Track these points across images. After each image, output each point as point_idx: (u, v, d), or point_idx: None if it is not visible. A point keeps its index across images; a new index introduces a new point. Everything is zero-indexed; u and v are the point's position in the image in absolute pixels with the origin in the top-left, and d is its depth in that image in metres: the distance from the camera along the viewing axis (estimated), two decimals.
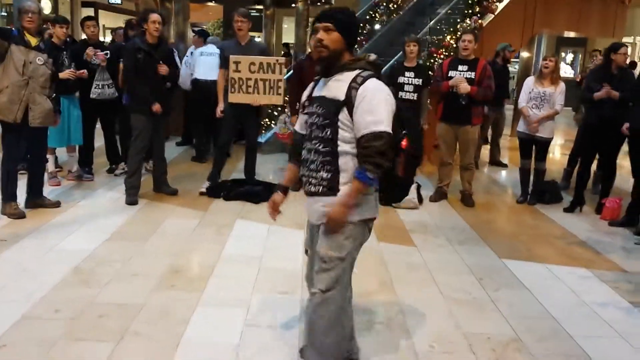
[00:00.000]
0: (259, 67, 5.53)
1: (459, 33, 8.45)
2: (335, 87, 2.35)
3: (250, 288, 3.69)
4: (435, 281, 4.02)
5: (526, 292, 3.91)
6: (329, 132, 2.36)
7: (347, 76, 2.34)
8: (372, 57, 2.43)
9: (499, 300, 3.75)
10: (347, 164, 2.37)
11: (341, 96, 2.31)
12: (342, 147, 2.35)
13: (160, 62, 5.35)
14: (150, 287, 3.64)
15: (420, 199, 5.94)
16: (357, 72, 2.34)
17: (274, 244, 4.54)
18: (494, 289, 3.93)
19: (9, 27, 9.55)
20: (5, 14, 17.57)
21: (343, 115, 2.32)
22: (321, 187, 2.43)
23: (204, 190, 5.85)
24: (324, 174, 2.41)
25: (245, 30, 5.61)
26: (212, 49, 7.51)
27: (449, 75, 5.79)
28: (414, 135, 2.57)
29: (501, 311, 3.59)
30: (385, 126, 2.27)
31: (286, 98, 6.77)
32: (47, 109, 4.81)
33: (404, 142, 2.46)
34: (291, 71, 7.49)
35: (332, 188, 2.40)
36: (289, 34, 23.08)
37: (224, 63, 5.68)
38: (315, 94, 2.47)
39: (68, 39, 5.93)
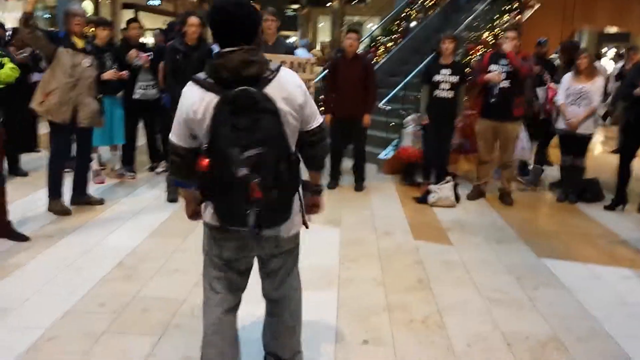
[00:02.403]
0: (289, 66, 5.58)
1: (496, 29, 8.37)
2: None
3: None
4: (472, 280, 4.00)
5: (565, 292, 3.86)
6: None
7: None
8: (215, 48, 2.16)
9: (538, 299, 3.72)
10: None
11: None
12: None
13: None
14: (191, 282, 3.72)
15: (457, 197, 5.91)
16: None
17: (308, 242, 4.58)
18: (533, 288, 3.90)
19: (54, 29, 9.86)
20: (50, 15, 18.11)
21: None
22: None
23: None
24: None
25: (274, 30, 5.68)
26: None
27: (490, 69, 5.73)
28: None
29: (540, 310, 3.56)
30: (171, 134, 2.21)
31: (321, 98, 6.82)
32: (95, 110, 4.97)
33: (202, 162, 2.03)
34: (326, 70, 7.53)
35: None
36: (324, 33, 23.11)
37: None
38: None
39: (111, 41, 6.10)
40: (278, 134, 2.01)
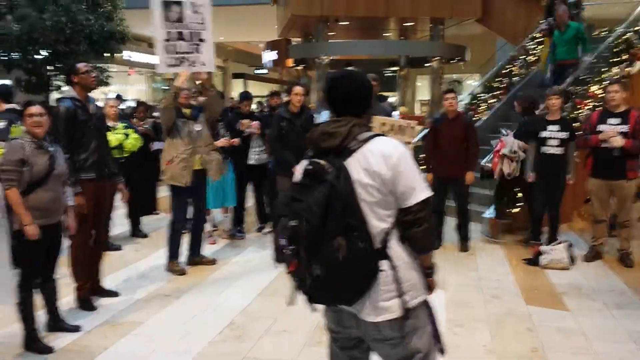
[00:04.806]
0: (389, 128, 5.66)
1: (604, 82, 8.04)
2: None
3: None
4: (592, 349, 3.75)
5: None
6: None
7: None
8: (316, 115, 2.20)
9: None
10: None
11: None
12: None
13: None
14: (299, 343, 3.79)
15: (572, 259, 5.60)
16: None
17: None
18: None
19: None
20: (168, 87, 19.78)
21: None
22: None
23: None
24: None
25: (375, 94, 5.87)
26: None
27: (598, 129, 5.51)
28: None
29: None
30: None
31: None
32: (219, 160, 5.43)
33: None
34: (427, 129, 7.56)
35: None
36: (422, 92, 23.27)
37: None
38: None
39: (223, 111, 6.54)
40: (329, 207, 1.90)
